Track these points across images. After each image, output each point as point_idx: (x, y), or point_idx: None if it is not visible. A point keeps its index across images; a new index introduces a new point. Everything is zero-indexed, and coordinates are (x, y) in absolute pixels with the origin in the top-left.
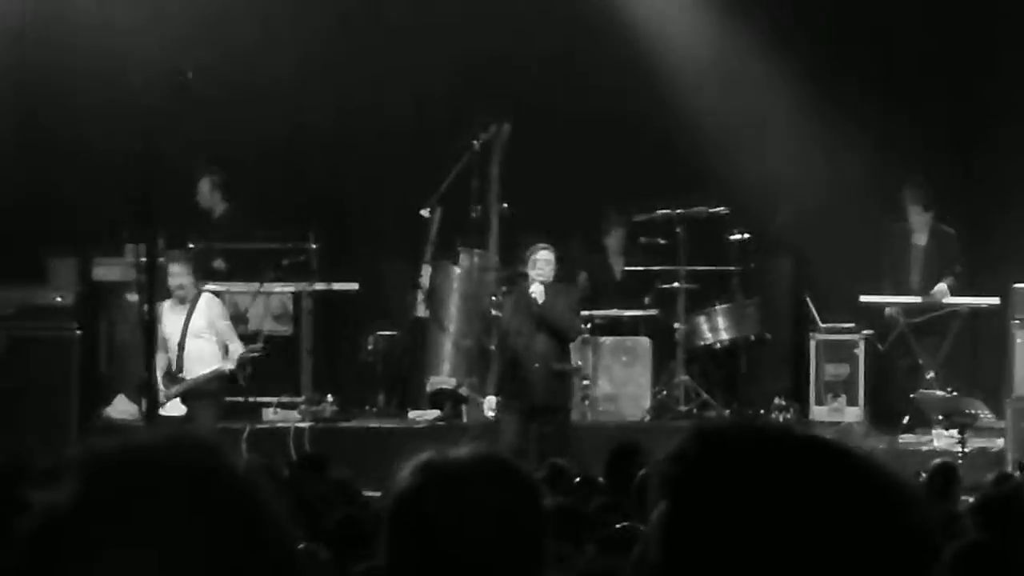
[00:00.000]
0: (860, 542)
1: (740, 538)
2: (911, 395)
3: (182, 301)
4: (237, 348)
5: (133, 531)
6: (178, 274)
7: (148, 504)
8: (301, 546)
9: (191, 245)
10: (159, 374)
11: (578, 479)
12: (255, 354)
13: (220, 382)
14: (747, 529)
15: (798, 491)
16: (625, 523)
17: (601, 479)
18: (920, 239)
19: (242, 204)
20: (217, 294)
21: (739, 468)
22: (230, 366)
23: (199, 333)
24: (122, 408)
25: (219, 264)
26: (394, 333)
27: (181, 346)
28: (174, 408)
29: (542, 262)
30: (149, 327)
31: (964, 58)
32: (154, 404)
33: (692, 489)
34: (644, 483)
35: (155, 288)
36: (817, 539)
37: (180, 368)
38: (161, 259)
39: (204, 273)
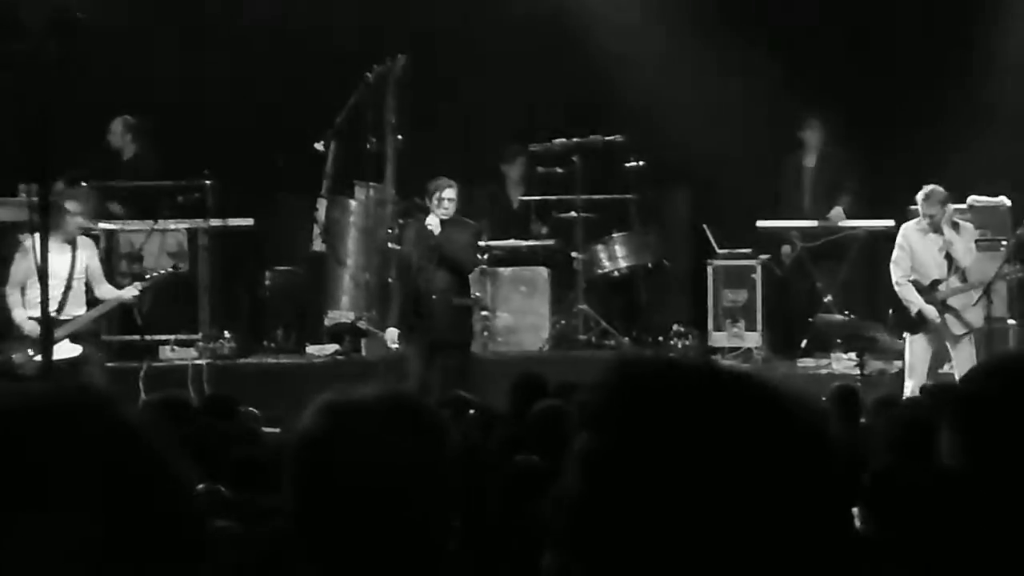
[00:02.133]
0: (778, 474)
1: (660, 469)
2: (810, 319)
3: (68, 240)
4: (107, 291)
5: (28, 490)
6: (76, 212)
7: (43, 463)
8: (200, 486)
9: (83, 183)
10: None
11: (478, 411)
12: (169, 271)
13: (101, 320)
14: (667, 461)
15: (716, 423)
16: (527, 455)
17: (499, 410)
18: (809, 160)
19: (152, 147)
20: (112, 232)
21: (660, 401)
22: (133, 293)
23: (79, 274)
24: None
25: (116, 208)
26: (291, 268)
27: (68, 286)
28: (63, 350)
29: (447, 201)
30: (43, 269)
31: None
32: (49, 345)
33: (613, 421)
34: (546, 414)
35: (48, 226)
36: (735, 470)
37: (62, 309)
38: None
39: (101, 213)
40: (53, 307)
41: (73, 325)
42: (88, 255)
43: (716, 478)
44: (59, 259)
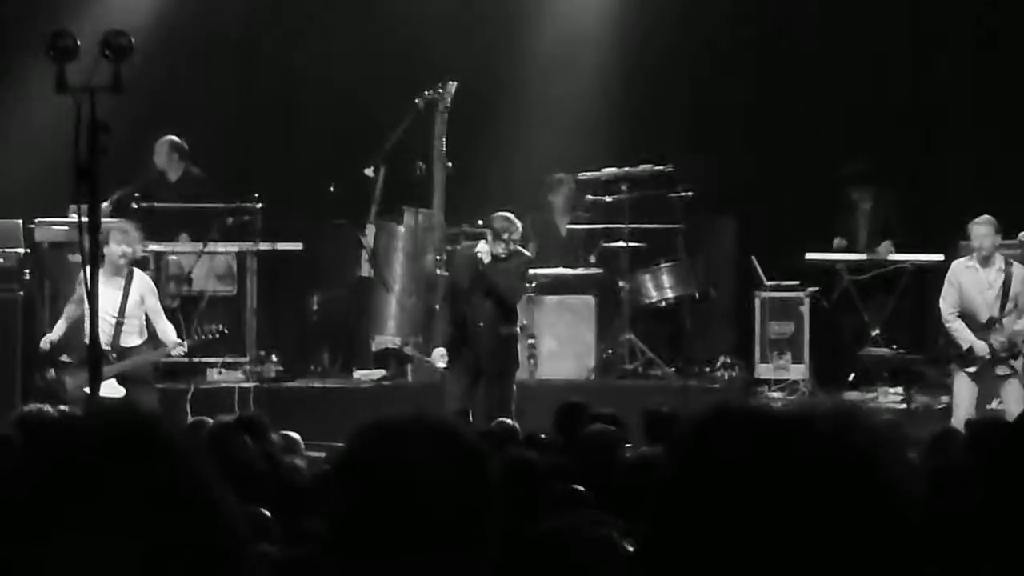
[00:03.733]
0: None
1: (730, 515)
2: (857, 353)
3: (118, 272)
4: (166, 328)
5: (76, 511)
6: (121, 242)
7: (90, 484)
8: (246, 510)
9: (135, 205)
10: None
11: (525, 437)
12: (213, 337)
13: (155, 366)
14: (738, 506)
15: (800, 482)
16: (574, 486)
17: (543, 436)
18: (865, 204)
19: (200, 169)
20: (160, 254)
21: (744, 449)
22: (182, 351)
23: (132, 310)
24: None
25: (185, 238)
26: (338, 293)
27: (120, 322)
28: (110, 389)
29: (518, 232)
30: (92, 291)
31: (918, 19)
32: (97, 373)
33: (695, 462)
34: (590, 440)
35: (98, 251)
36: (814, 533)
37: (114, 344)
38: (106, 220)
39: (150, 235)
40: (105, 340)
41: (120, 367)
42: (143, 292)
43: (785, 534)
44: (110, 292)
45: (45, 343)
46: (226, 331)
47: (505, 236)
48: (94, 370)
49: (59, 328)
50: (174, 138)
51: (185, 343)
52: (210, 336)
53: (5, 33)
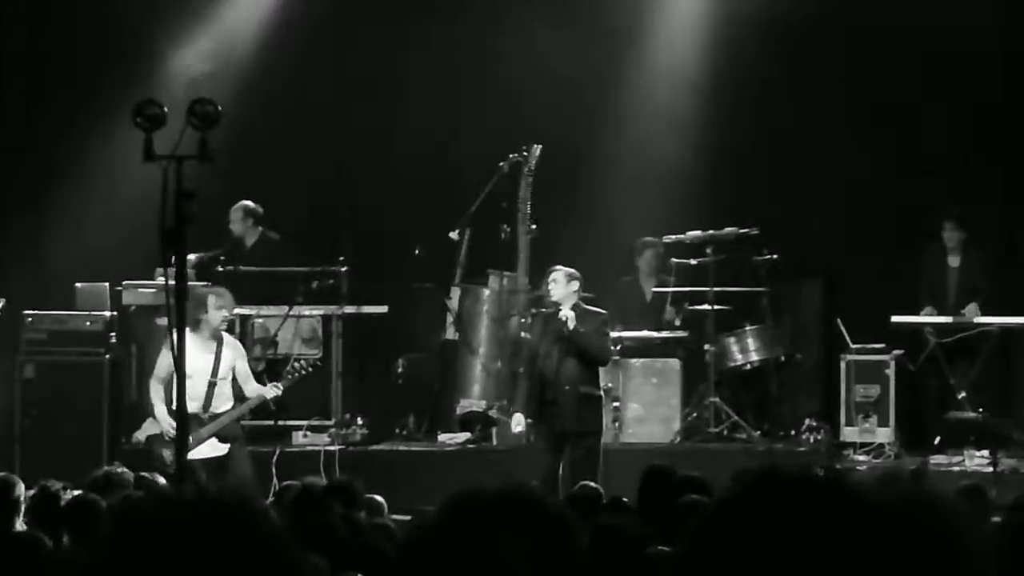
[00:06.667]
0: None
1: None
2: (943, 416)
3: (213, 337)
4: (256, 389)
5: None
6: (221, 307)
7: (176, 566)
8: None
9: (219, 269)
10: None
11: (610, 502)
12: (303, 372)
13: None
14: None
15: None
16: (658, 547)
17: (626, 500)
18: (954, 260)
19: (276, 232)
20: (246, 317)
21: (778, 514)
22: (276, 393)
23: (224, 373)
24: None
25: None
26: (423, 356)
27: (213, 384)
28: (210, 448)
29: (550, 283)
30: (179, 354)
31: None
32: (185, 438)
33: (727, 525)
34: (680, 508)
35: (184, 313)
36: None
37: (207, 408)
38: (193, 284)
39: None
40: (198, 404)
41: (218, 424)
42: (234, 356)
43: None
44: (203, 356)
45: (167, 423)
46: (319, 364)
47: (546, 288)
48: (182, 434)
49: (161, 412)
50: (247, 203)
51: (280, 384)
52: (302, 373)
53: (95, 100)
